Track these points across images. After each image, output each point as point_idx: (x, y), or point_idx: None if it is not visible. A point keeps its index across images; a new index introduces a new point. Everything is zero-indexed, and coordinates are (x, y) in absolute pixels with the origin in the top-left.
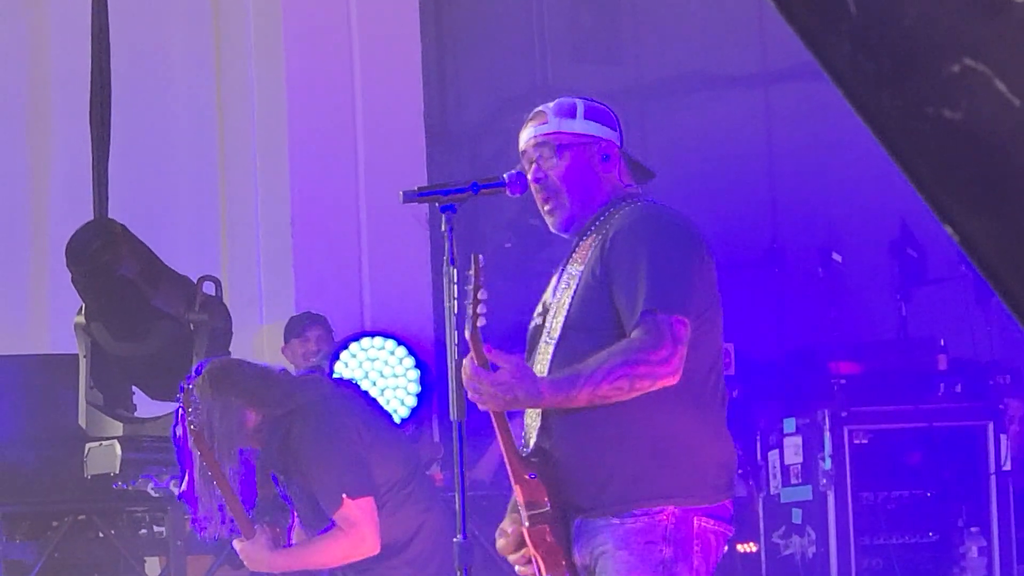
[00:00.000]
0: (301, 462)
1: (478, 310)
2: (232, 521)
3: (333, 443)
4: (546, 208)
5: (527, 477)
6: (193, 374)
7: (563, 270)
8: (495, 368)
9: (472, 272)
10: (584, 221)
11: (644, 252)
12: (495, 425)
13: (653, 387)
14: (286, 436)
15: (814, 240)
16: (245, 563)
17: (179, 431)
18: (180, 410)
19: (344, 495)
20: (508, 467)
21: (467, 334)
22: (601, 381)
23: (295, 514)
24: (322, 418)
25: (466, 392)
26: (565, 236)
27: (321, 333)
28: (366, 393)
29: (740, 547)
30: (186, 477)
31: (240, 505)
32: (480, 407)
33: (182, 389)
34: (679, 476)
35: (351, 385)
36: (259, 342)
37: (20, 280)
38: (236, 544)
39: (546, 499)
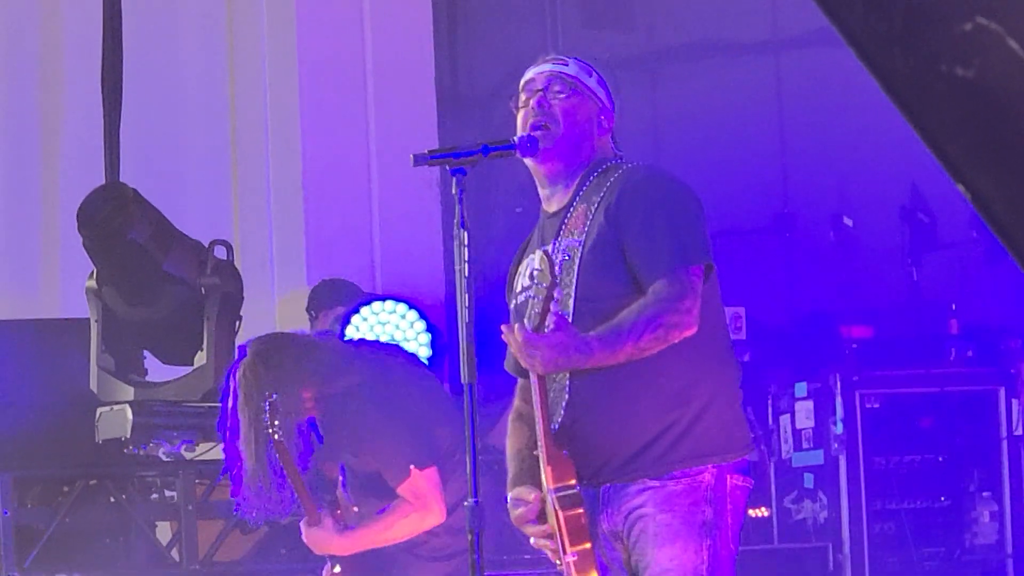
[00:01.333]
0: (361, 437)
1: (550, 307)
2: (291, 503)
3: (398, 415)
4: (534, 122)
5: (563, 455)
6: (238, 355)
7: (554, 244)
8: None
9: (545, 269)
10: (564, 169)
11: (660, 207)
12: (537, 394)
13: (679, 337)
14: (341, 413)
15: (825, 205)
16: (313, 549)
17: (229, 410)
18: (227, 393)
19: (412, 466)
20: (541, 444)
21: (530, 326)
22: (643, 333)
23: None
24: (385, 390)
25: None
26: (537, 168)
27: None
28: (415, 357)
29: (751, 512)
30: (237, 465)
31: (306, 489)
32: (534, 371)
33: (230, 374)
34: (714, 434)
35: (400, 351)
36: (270, 306)
37: (32, 245)
38: (304, 530)
39: (574, 480)
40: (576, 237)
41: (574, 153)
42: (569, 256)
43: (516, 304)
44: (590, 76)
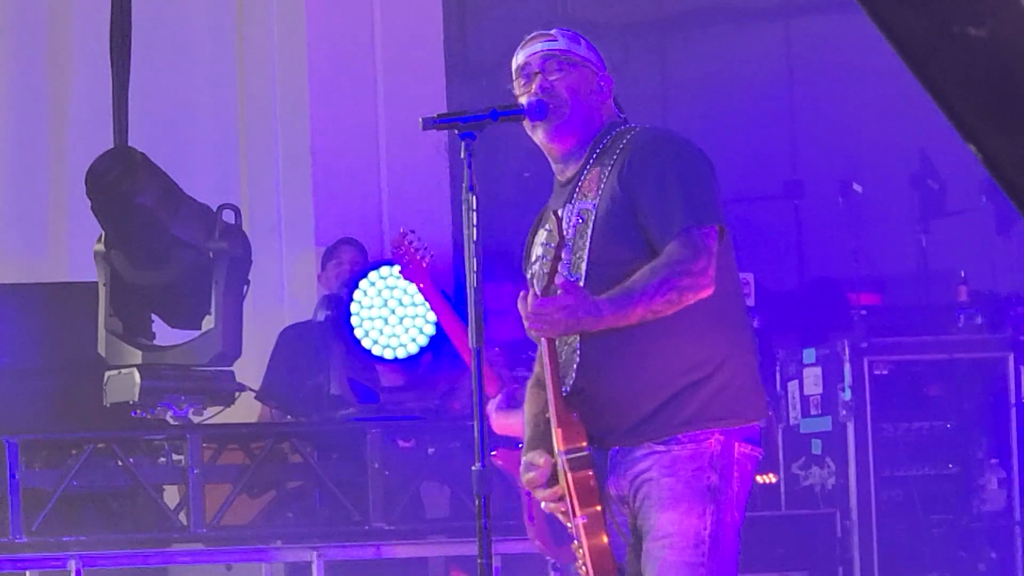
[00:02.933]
0: None
1: (558, 267)
2: None
3: None
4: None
5: (573, 418)
6: None
7: (568, 208)
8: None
9: (554, 229)
10: (577, 144)
11: (671, 168)
12: (547, 361)
13: (694, 299)
14: None
15: (834, 171)
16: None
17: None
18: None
19: None
20: (552, 407)
21: (538, 288)
22: (655, 295)
23: None
24: None
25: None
26: (550, 147)
27: (355, 255)
28: None
29: (759, 478)
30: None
31: None
32: (544, 335)
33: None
34: (724, 399)
35: None
36: (278, 270)
37: (40, 208)
38: None
39: (585, 443)
40: (590, 200)
41: (586, 128)
42: (583, 219)
43: (532, 273)
44: (579, 44)
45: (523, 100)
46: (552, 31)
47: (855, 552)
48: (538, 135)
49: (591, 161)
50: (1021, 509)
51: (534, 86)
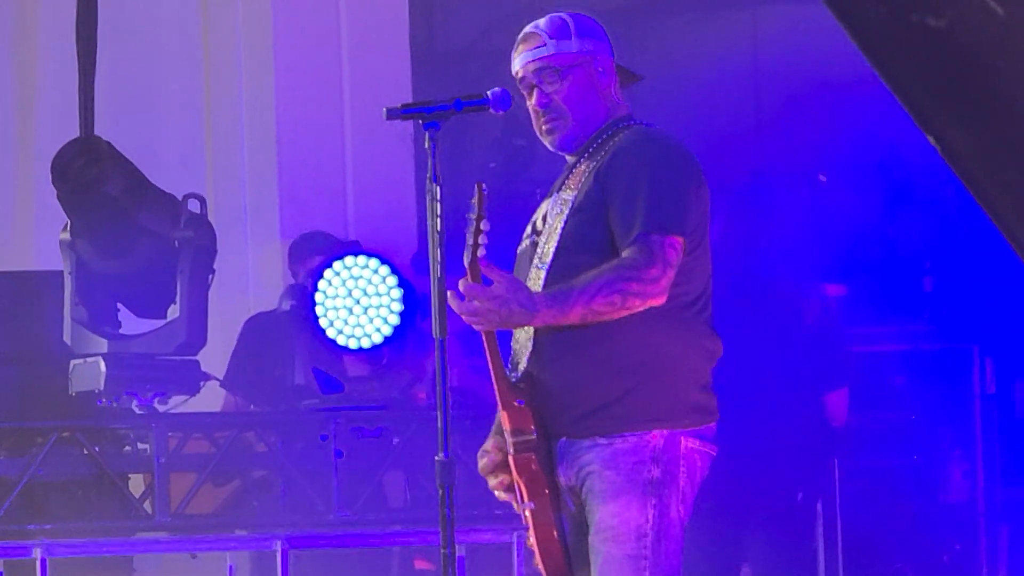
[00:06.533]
0: None
1: (479, 240)
2: None
3: None
4: (546, 128)
5: (516, 404)
6: None
7: (556, 196)
8: (488, 284)
9: (475, 201)
10: (583, 140)
11: (643, 172)
12: (486, 348)
13: (643, 306)
14: None
15: (800, 161)
16: None
17: None
18: None
19: None
20: (496, 392)
21: (465, 261)
22: (595, 295)
23: None
24: None
25: (454, 314)
26: (563, 154)
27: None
28: None
29: None
30: None
31: None
32: (476, 326)
33: None
34: (668, 400)
35: None
36: (244, 260)
37: (6, 197)
38: None
39: (532, 426)
40: (571, 192)
41: (589, 127)
42: (560, 210)
43: (521, 248)
44: (569, 39)
45: (529, 104)
46: (540, 32)
47: (819, 542)
48: (547, 145)
49: (585, 155)
50: (985, 500)
51: (534, 104)
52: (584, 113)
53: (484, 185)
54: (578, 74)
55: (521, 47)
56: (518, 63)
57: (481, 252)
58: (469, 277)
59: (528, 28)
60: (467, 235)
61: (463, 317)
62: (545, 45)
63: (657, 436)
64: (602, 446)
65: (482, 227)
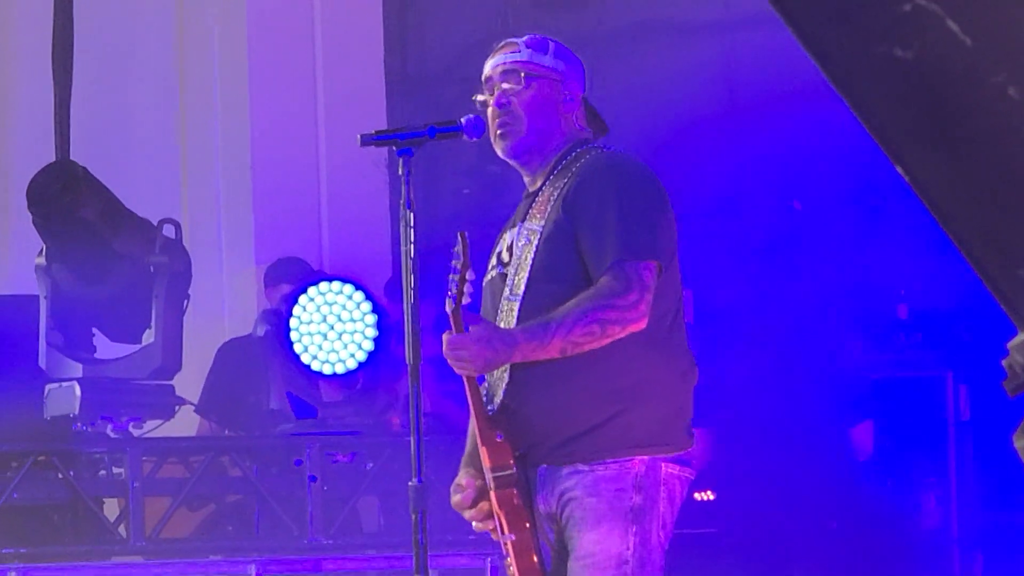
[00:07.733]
0: None
1: (464, 289)
2: None
3: None
4: (499, 132)
5: (496, 439)
6: None
7: (520, 226)
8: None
9: (459, 249)
10: (537, 157)
11: (612, 198)
12: (467, 388)
13: (623, 333)
14: None
15: (775, 188)
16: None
17: None
18: None
19: None
20: (476, 430)
21: (448, 309)
22: (573, 327)
23: None
24: None
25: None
26: (512, 163)
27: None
28: None
29: (697, 495)
30: None
31: None
32: (464, 372)
33: None
34: (648, 426)
35: None
36: (219, 285)
37: None
38: None
39: (512, 461)
40: (538, 222)
41: (544, 142)
42: (528, 240)
43: (487, 280)
44: (544, 53)
45: (488, 111)
46: (519, 40)
47: (794, 569)
48: (498, 152)
49: (548, 180)
50: (959, 527)
51: (492, 102)
52: (539, 124)
53: (466, 233)
54: (543, 86)
55: (496, 53)
56: (488, 66)
57: (466, 300)
58: (452, 326)
59: (509, 39)
60: (451, 283)
61: (454, 368)
62: (519, 51)
63: (638, 463)
64: (583, 473)
65: (467, 276)
